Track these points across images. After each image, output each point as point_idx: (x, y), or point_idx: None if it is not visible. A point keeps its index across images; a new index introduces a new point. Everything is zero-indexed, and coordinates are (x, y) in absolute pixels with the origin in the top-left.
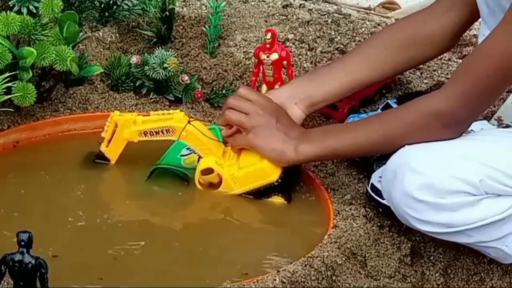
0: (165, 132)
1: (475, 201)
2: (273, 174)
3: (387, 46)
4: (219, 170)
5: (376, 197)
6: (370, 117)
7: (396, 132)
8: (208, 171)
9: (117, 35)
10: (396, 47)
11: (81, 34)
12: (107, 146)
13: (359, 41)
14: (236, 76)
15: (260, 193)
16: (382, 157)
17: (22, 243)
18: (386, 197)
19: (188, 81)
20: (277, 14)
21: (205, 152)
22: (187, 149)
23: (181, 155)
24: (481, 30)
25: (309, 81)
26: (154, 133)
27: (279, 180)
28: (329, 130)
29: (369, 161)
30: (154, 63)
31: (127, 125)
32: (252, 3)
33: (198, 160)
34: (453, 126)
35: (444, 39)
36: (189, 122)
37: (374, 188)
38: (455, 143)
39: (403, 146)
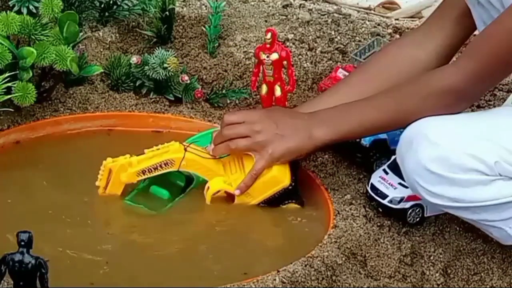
0: (163, 166)
1: (487, 180)
2: (285, 179)
3: (389, 73)
4: (230, 189)
5: (376, 197)
6: (380, 94)
7: (410, 108)
8: (218, 192)
9: (117, 35)
10: (397, 72)
11: (81, 34)
12: (104, 192)
13: (359, 41)
14: (236, 76)
15: (275, 201)
16: (382, 157)
17: (22, 243)
18: (399, 164)
19: (188, 81)
20: (277, 14)
21: (208, 174)
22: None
23: None
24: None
25: (313, 104)
26: (153, 169)
27: (292, 184)
28: (340, 110)
29: (369, 161)
30: (154, 63)
31: (123, 170)
32: (252, 3)
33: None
34: (467, 100)
35: (442, 58)
36: (185, 150)
37: (374, 188)
38: (475, 119)
39: (416, 120)
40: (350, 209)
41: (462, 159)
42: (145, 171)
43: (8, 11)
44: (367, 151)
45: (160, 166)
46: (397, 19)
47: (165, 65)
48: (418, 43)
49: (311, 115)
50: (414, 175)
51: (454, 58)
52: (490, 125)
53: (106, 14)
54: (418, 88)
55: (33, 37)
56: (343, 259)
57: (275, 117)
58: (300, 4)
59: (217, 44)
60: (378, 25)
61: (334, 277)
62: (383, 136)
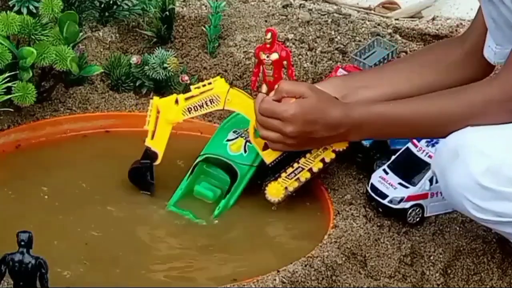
0: (209, 103)
1: None
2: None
3: (413, 66)
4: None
5: (376, 197)
6: (420, 101)
7: (451, 118)
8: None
9: (117, 35)
10: (421, 68)
11: (81, 34)
12: (152, 139)
13: (359, 41)
14: (236, 76)
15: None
16: (382, 157)
17: (22, 243)
18: (439, 176)
19: (188, 81)
20: (277, 14)
21: (250, 113)
22: (234, 132)
23: (227, 140)
24: (486, 42)
25: (344, 82)
26: (198, 107)
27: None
28: (380, 116)
29: (369, 161)
30: (154, 63)
31: (170, 106)
32: (252, 3)
33: (245, 146)
34: (509, 112)
35: (469, 65)
36: (230, 87)
37: (374, 188)
38: None
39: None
40: (350, 209)
41: None
42: (191, 109)
43: (8, 11)
44: (367, 151)
45: (206, 103)
46: (397, 19)
47: (165, 65)
48: (463, 41)
49: (351, 119)
50: (461, 190)
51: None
52: None
53: (106, 14)
54: (462, 99)
55: (33, 37)
56: (343, 259)
57: (311, 120)
58: (300, 4)
59: (217, 44)
60: (378, 25)
61: (334, 277)
62: None
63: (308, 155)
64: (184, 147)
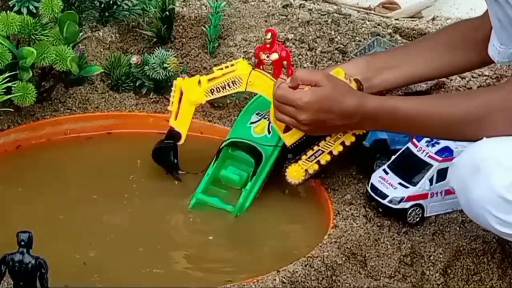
0: (231, 85)
1: None
2: None
3: (437, 45)
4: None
5: (376, 197)
6: (435, 101)
7: (457, 117)
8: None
9: (117, 35)
10: (445, 47)
11: (81, 34)
12: (175, 119)
13: (359, 41)
14: None
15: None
16: (383, 157)
17: (22, 243)
18: (459, 190)
19: None
20: (277, 14)
21: (272, 95)
22: (257, 114)
23: (251, 123)
24: (491, 40)
25: (368, 63)
26: (221, 88)
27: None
28: (394, 111)
29: (369, 161)
30: (154, 63)
31: (192, 87)
32: (252, 3)
33: (269, 127)
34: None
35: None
36: (253, 69)
37: (374, 188)
38: None
39: (461, 134)
40: (350, 209)
41: None
42: (213, 90)
43: (8, 11)
44: (367, 151)
45: (228, 85)
46: (397, 19)
47: (165, 65)
48: (474, 27)
49: (365, 110)
50: (484, 204)
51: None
52: None
53: (106, 14)
54: (469, 103)
55: (33, 37)
56: (343, 259)
57: (325, 108)
58: (300, 4)
59: (217, 44)
60: (378, 25)
61: (334, 277)
62: (384, 136)
63: (328, 138)
64: (184, 148)
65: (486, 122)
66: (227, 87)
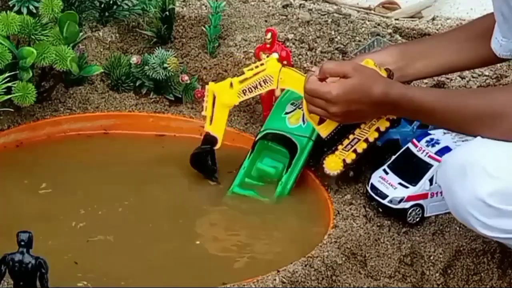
0: (263, 84)
1: None
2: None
3: (467, 36)
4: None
5: (376, 197)
6: (457, 96)
7: (469, 112)
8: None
9: (117, 35)
10: (473, 38)
11: (81, 34)
12: (210, 124)
13: (359, 41)
14: (236, 76)
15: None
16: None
17: (22, 243)
18: (445, 190)
19: (188, 81)
20: (277, 14)
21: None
22: (292, 104)
23: (286, 113)
24: (494, 33)
25: (401, 52)
26: (253, 88)
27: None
28: (418, 103)
29: (381, 160)
30: (154, 63)
31: (225, 90)
32: (252, 3)
33: (303, 116)
34: None
35: None
36: (283, 65)
37: (374, 188)
38: None
39: (475, 131)
40: (350, 209)
41: None
42: (246, 91)
43: (8, 11)
44: (380, 151)
45: (260, 84)
46: (397, 19)
47: (165, 65)
48: None
49: (390, 98)
50: (468, 207)
51: None
52: None
53: (106, 14)
54: (488, 99)
55: (33, 37)
56: (343, 259)
57: (354, 99)
58: (300, 4)
59: (217, 44)
60: (378, 25)
61: (334, 277)
62: (396, 136)
63: (363, 126)
64: (184, 149)
65: (499, 121)
66: (258, 86)
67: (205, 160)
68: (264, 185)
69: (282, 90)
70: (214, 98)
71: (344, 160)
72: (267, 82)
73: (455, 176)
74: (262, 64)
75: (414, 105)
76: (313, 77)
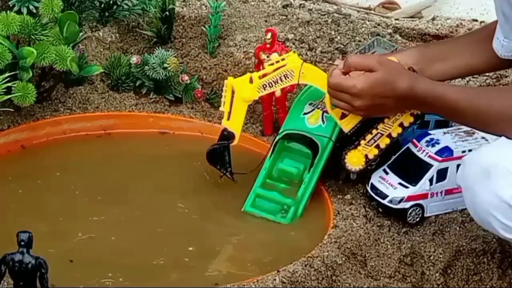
0: (283, 78)
1: None
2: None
3: (483, 39)
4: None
5: (376, 197)
6: (480, 93)
7: (493, 112)
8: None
9: (117, 35)
10: (490, 41)
11: (81, 34)
12: (228, 120)
13: (359, 41)
14: (236, 76)
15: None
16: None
17: (22, 243)
18: (466, 190)
19: (188, 81)
20: (277, 14)
21: (325, 85)
22: (310, 104)
23: (304, 114)
24: (496, 33)
25: (420, 54)
26: (273, 83)
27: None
28: (441, 98)
29: (384, 160)
30: (154, 63)
31: (244, 85)
32: (252, 3)
33: (323, 116)
34: None
35: None
36: (304, 61)
37: (374, 188)
38: None
39: (499, 130)
40: (350, 209)
41: None
42: (266, 86)
43: (8, 11)
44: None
45: (280, 79)
46: (397, 19)
47: (165, 65)
48: None
49: (415, 94)
50: (490, 209)
51: None
52: None
53: (106, 14)
54: (503, 98)
55: (33, 37)
56: (343, 259)
57: (379, 93)
58: (300, 4)
59: (217, 44)
60: (378, 25)
61: (334, 277)
62: None
63: (386, 120)
64: (184, 148)
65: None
66: (279, 81)
67: (222, 156)
68: (286, 186)
69: (283, 89)
70: (232, 94)
71: (366, 156)
72: (288, 77)
73: (477, 177)
74: (283, 59)
75: (438, 101)
76: (337, 71)
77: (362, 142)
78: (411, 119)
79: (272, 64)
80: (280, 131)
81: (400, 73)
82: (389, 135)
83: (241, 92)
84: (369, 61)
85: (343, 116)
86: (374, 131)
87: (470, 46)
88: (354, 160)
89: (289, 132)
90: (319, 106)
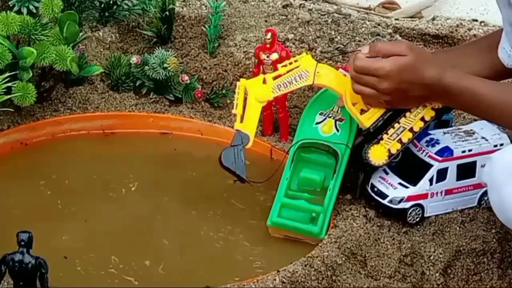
0: (298, 79)
1: None
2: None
3: (491, 46)
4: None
5: (376, 197)
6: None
7: None
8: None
9: (117, 35)
10: (497, 48)
11: (81, 34)
12: (241, 122)
13: (359, 41)
14: (236, 76)
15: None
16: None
17: (22, 243)
18: (492, 189)
19: (188, 81)
20: (277, 14)
21: (340, 87)
22: (320, 114)
23: (316, 123)
24: (501, 43)
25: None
26: (288, 83)
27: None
28: (469, 92)
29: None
30: (154, 63)
31: (258, 85)
32: (252, 3)
33: (336, 125)
34: None
35: None
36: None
37: (374, 188)
38: None
39: None
40: (350, 209)
41: None
42: (280, 86)
43: (8, 11)
44: None
45: (295, 79)
46: (397, 19)
47: (165, 65)
48: None
49: (442, 84)
50: None
51: None
52: None
53: (106, 14)
54: None
55: (33, 37)
56: (343, 259)
57: (407, 78)
58: (300, 4)
59: (217, 44)
60: (378, 25)
61: (334, 277)
62: None
63: (408, 114)
64: (184, 148)
65: None
66: (294, 82)
67: (236, 159)
68: (309, 195)
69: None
70: (245, 96)
71: (389, 150)
72: (303, 77)
73: (505, 175)
74: (296, 61)
75: (465, 93)
76: (361, 54)
77: (385, 136)
78: (433, 114)
79: (285, 65)
80: (294, 141)
81: (429, 61)
82: (411, 129)
83: (256, 92)
84: (399, 46)
85: (362, 112)
86: (397, 125)
87: (476, 55)
88: (378, 154)
89: (306, 141)
90: (330, 115)
